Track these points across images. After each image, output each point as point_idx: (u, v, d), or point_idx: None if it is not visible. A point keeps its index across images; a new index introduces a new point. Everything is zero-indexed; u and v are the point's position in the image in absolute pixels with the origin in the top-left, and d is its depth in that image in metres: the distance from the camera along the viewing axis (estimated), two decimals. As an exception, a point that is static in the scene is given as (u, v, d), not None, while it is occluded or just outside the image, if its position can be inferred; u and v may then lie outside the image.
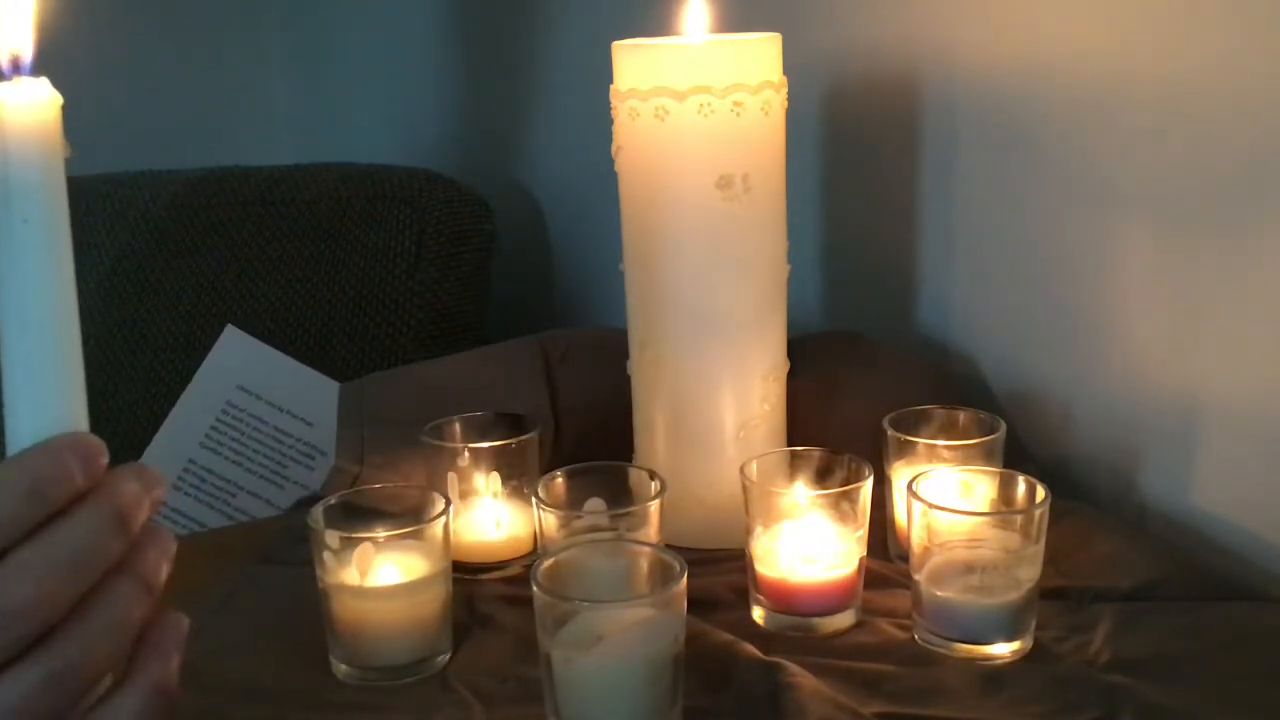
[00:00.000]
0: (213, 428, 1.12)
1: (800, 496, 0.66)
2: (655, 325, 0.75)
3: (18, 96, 0.39)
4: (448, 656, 0.64)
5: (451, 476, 0.74)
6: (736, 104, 0.70)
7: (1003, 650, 0.61)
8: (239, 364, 1.15)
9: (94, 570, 0.39)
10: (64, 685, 0.38)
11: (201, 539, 0.89)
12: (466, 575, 0.71)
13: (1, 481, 0.38)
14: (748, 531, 0.66)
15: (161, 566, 0.41)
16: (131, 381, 1.28)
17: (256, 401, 1.13)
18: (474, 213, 1.32)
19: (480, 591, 0.71)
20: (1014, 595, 0.61)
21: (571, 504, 0.68)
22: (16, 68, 0.40)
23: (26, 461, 0.39)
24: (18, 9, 0.40)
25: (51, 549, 0.38)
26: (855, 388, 0.84)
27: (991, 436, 0.71)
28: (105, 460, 0.40)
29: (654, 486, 0.67)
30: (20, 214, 0.39)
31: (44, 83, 0.40)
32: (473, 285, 1.31)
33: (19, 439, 0.40)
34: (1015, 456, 0.75)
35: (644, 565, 0.58)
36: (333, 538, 0.62)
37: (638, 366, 0.77)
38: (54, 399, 0.41)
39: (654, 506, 0.66)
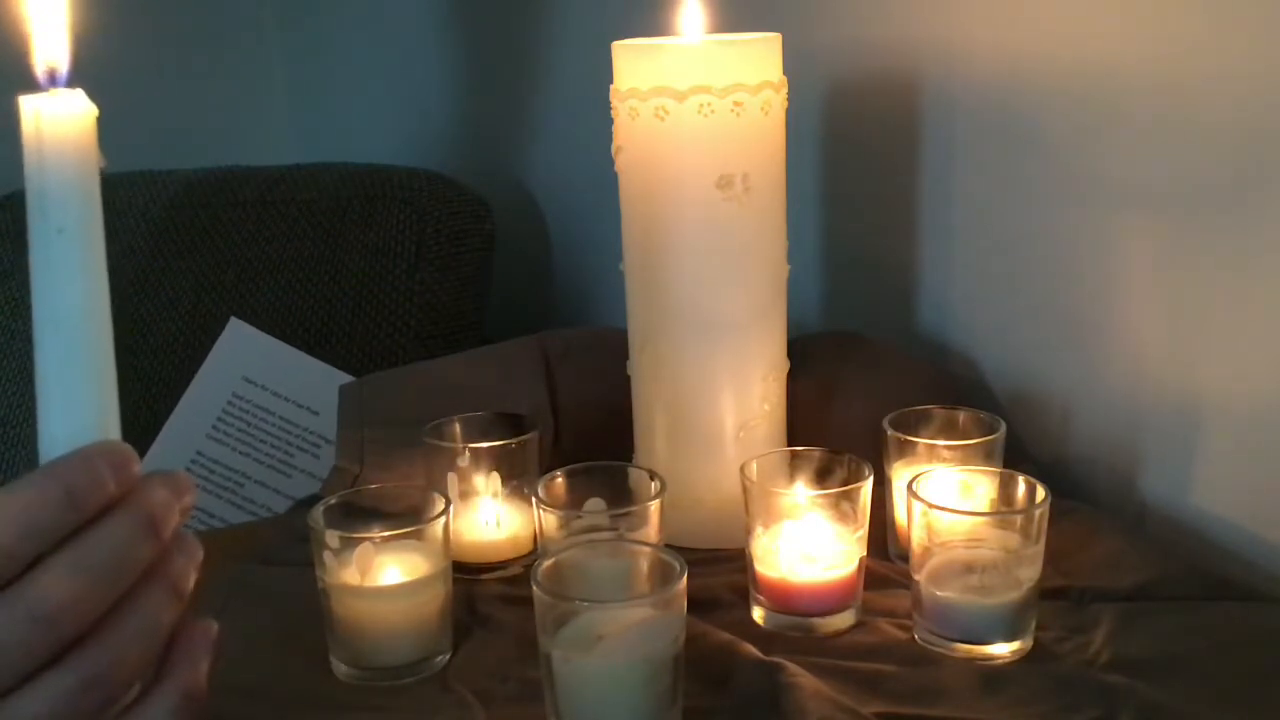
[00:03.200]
0: (219, 419, 1.13)
1: (800, 496, 0.66)
2: (655, 325, 0.75)
3: (55, 108, 0.39)
4: (448, 656, 0.64)
5: (451, 476, 0.74)
6: (736, 104, 0.70)
7: (1003, 650, 0.61)
8: (244, 355, 1.16)
9: (126, 576, 0.40)
10: (97, 691, 0.39)
11: (201, 539, 0.89)
12: (466, 575, 0.72)
13: (36, 489, 0.39)
14: (748, 531, 0.66)
15: (190, 573, 0.42)
16: (131, 381, 1.28)
17: (262, 392, 1.14)
18: (474, 213, 1.32)
19: (480, 591, 0.71)
20: (1014, 595, 0.61)
21: (571, 504, 0.68)
22: (53, 80, 0.40)
23: (60, 469, 0.39)
24: (55, 22, 0.40)
25: (85, 555, 0.39)
26: (855, 388, 0.84)
27: (991, 436, 0.71)
28: (137, 468, 0.41)
29: (654, 486, 0.67)
30: (56, 224, 0.40)
31: (80, 94, 0.40)
32: (472, 285, 1.31)
33: (53, 446, 0.40)
34: (1015, 456, 0.75)
35: (644, 565, 0.58)
36: (333, 538, 0.62)
37: (638, 366, 0.77)
38: (87, 406, 0.41)
39: (654, 506, 0.66)
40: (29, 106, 0.39)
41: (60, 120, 0.39)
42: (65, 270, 0.40)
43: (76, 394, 0.41)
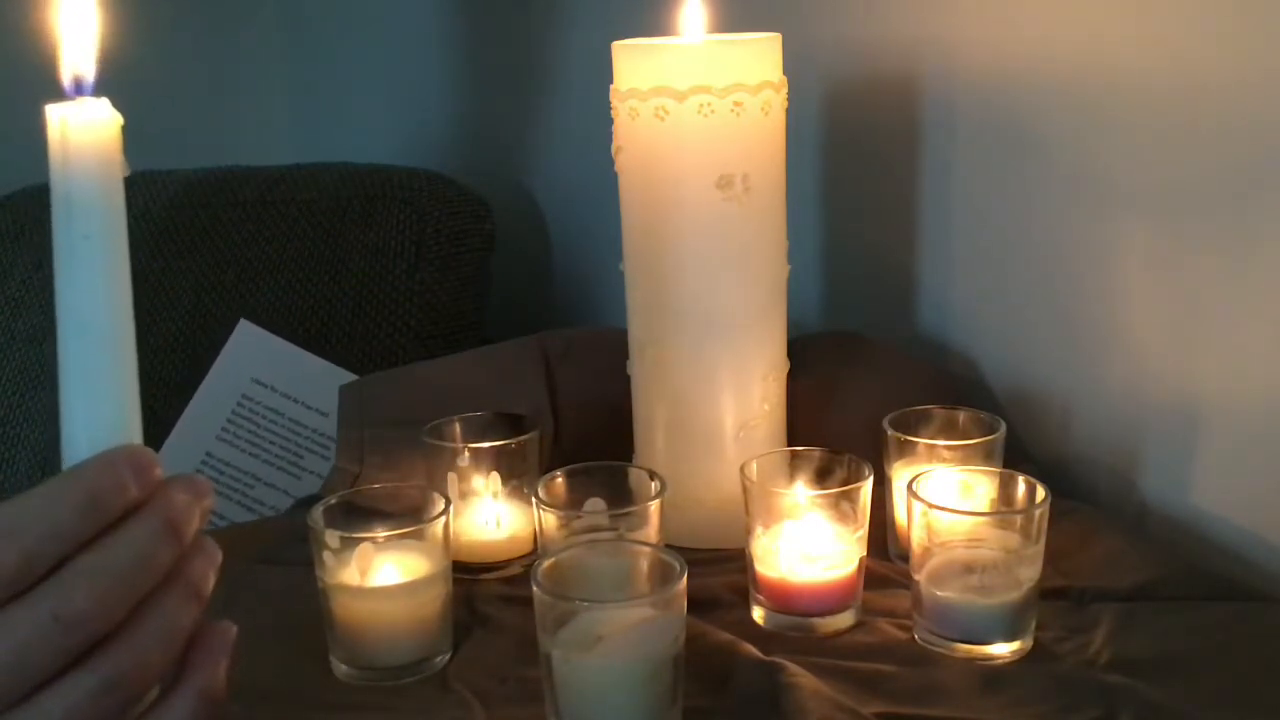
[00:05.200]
0: (229, 421, 1.13)
1: (800, 496, 0.66)
2: (655, 325, 0.75)
3: (81, 116, 0.40)
4: (448, 656, 0.64)
5: (451, 476, 0.74)
6: (736, 104, 0.70)
7: (1003, 650, 0.61)
8: (253, 357, 1.16)
9: (148, 579, 0.40)
10: (118, 692, 0.39)
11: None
12: (466, 575, 0.71)
13: (60, 492, 0.39)
14: (748, 531, 0.66)
15: (209, 575, 0.42)
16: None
17: (271, 394, 1.14)
18: (474, 213, 1.31)
19: (480, 591, 0.71)
20: (1014, 595, 0.61)
21: (571, 504, 0.68)
22: (79, 88, 0.41)
23: (84, 473, 0.40)
24: (82, 30, 0.41)
25: (108, 559, 0.39)
26: (855, 388, 0.84)
27: (991, 436, 0.71)
28: (159, 472, 0.41)
29: (654, 486, 0.67)
30: (81, 230, 0.40)
31: (105, 103, 0.40)
32: (472, 285, 1.31)
33: (76, 449, 0.41)
34: (1015, 456, 0.75)
35: (644, 565, 0.58)
36: (333, 538, 0.62)
37: (638, 366, 0.77)
38: (110, 410, 0.41)
39: (654, 506, 0.66)
40: (55, 115, 0.40)
41: (86, 128, 0.40)
42: (90, 276, 0.40)
43: (99, 398, 0.41)
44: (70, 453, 0.41)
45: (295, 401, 1.14)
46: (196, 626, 0.42)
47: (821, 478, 0.68)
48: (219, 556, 0.43)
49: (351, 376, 1.12)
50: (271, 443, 1.13)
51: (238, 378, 1.15)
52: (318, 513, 0.63)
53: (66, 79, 0.41)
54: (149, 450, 0.41)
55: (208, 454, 1.12)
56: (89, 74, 0.41)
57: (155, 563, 0.40)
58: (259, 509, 1.11)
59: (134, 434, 0.42)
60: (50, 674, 0.38)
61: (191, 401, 1.14)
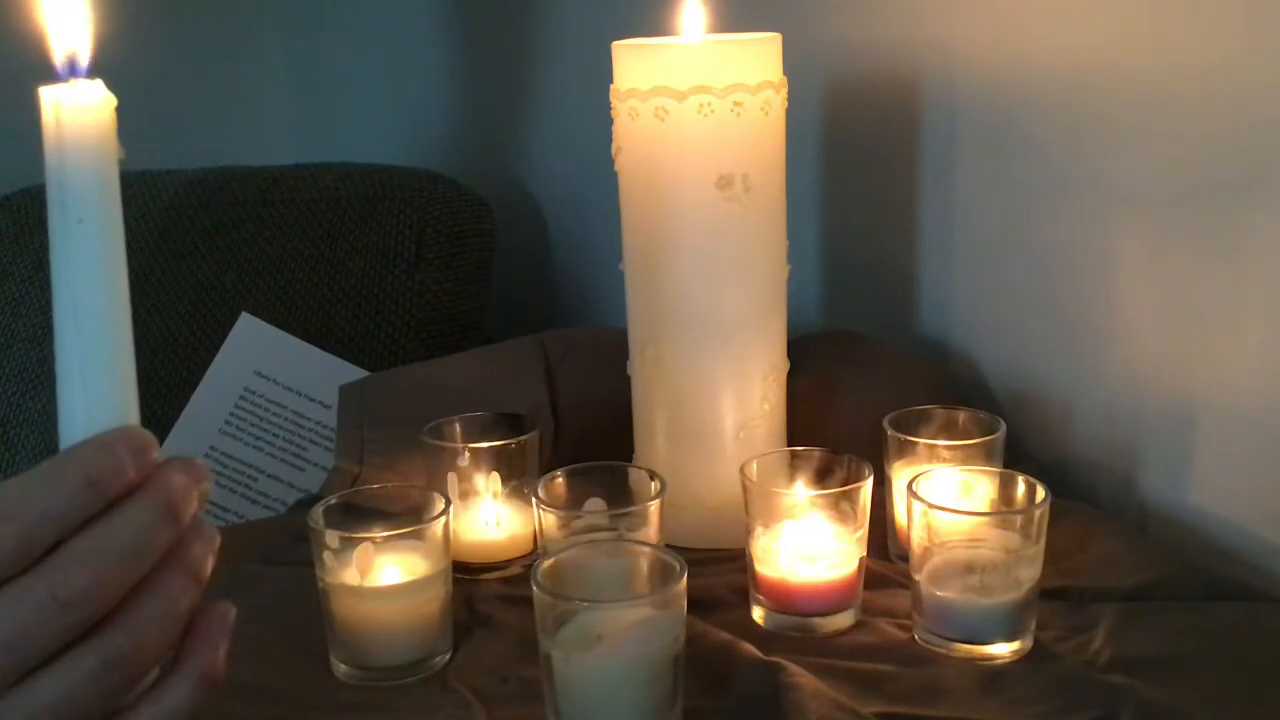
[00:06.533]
0: (232, 414, 1.14)
1: (800, 496, 0.66)
2: (655, 325, 0.75)
3: (74, 98, 0.40)
4: (448, 656, 0.64)
5: (451, 476, 0.74)
6: (736, 104, 0.70)
7: (1003, 650, 0.61)
8: (255, 350, 1.16)
9: (146, 560, 0.40)
10: (116, 673, 0.39)
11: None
12: (466, 575, 0.72)
13: (57, 474, 0.39)
14: (748, 531, 0.66)
15: (207, 558, 0.42)
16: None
17: (274, 386, 1.15)
18: (474, 213, 1.31)
19: (480, 591, 0.71)
20: (1014, 595, 0.61)
21: (571, 504, 0.68)
22: (73, 69, 0.40)
23: (81, 454, 0.40)
24: (75, 12, 0.41)
25: (106, 540, 0.39)
26: (855, 388, 0.84)
27: (991, 436, 0.71)
28: (157, 454, 0.41)
29: (654, 486, 0.67)
30: (76, 214, 0.40)
31: (99, 85, 0.40)
32: (473, 285, 1.31)
33: (73, 432, 0.41)
34: (1015, 456, 0.75)
35: (644, 565, 0.58)
36: (333, 538, 0.62)
37: (638, 366, 0.77)
38: (107, 393, 0.41)
39: (654, 506, 0.66)
40: (48, 97, 0.39)
41: (79, 110, 0.40)
42: (85, 260, 0.40)
43: (96, 382, 0.41)
44: (68, 434, 0.41)
45: (297, 394, 1.14)
46: (195, 609, 0.42)
47: (821, 478, 0.68)
48: (217, 540, 0.43)
49: (352, 369, 1.12)
50: (275, 435, 1.13)
51: (240, 371, 1.16)
52: (318, 513, 0.63)
53: (60, 60, 0.40)
54: (146, 432, 0.41)
55: (211, 447, 1.13)
56: (83, 55, 0.40)
57: (153, 543, 0.40)
58: (262, 501, 1.11)
59: (131, 416, 0.42)
60: (48, 655, 0.38)
61: (194, 395, 1.15)
